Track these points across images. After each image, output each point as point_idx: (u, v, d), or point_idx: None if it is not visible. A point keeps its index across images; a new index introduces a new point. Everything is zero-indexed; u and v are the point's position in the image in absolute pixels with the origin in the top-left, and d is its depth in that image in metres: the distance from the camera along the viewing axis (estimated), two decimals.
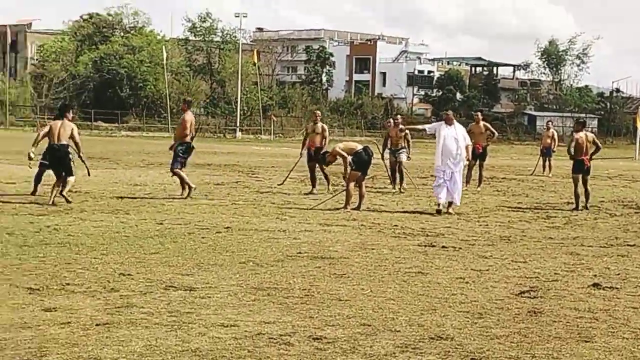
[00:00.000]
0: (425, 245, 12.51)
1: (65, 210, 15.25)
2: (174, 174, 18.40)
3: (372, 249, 12.04)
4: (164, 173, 25.72)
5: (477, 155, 23.07)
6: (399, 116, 22.67)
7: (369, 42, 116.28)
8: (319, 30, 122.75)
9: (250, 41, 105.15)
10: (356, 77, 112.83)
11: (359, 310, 8.13)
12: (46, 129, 17.21)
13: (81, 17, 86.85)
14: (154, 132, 74.23)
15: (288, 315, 7.85)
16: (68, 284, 8.87)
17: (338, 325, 7.55)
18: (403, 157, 22.01)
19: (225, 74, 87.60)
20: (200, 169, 26.90)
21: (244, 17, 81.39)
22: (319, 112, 22.64)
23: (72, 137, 16.62)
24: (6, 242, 11.47)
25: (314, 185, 20.75)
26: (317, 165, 20.57)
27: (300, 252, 11.45)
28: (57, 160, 16.67)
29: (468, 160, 17.55)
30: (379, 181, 23.77)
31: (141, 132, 72.99)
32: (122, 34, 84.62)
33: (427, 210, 17.51)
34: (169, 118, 75.64)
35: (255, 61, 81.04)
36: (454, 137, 17.04)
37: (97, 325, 7.25)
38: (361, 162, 17.08)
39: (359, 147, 17.40)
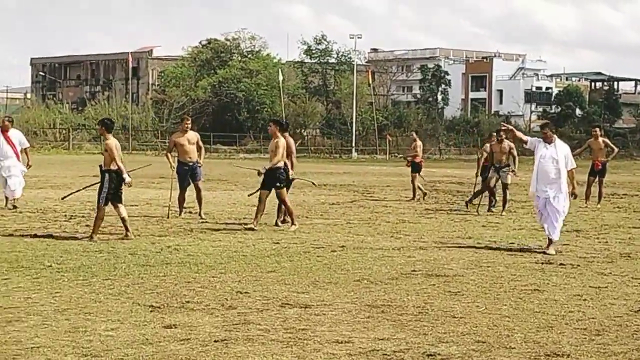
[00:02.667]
0: (542, 263, 12.36)
1: (185, 231, 15.63)
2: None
3: (488, 266, 11.96)
4: None
5: (597, 172, 22.63)
6: (502, 132, 20.82)
7: (484, 60, 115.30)
8: (434, 49, 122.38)
9: (365, 62, 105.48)
10: (472, 95, 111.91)
11: (473, 327, 8.10)
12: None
13: (200, 42, 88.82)
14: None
15: (402, 332, 7.88)
16: (188, 302, 9.10)
17: (452, 342, 7.55)
18: (509, 178, 20.51)
19: (340, 95, 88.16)
20: (317, 189, 27.14)
21: (358, 38, 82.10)
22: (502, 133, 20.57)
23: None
24: (129, 261, 11.83)
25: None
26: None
27: (414, 270, 11.46)
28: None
29: (573, 193, 14.00)
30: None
31: (259, 154, 73.98)
32: (239, 58, 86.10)
33: None
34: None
35: (370, 82, 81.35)
36: (552, 157, 13.77)
37: (215, 341, 7.43)
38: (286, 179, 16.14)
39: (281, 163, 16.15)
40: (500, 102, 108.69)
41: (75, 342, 7.27)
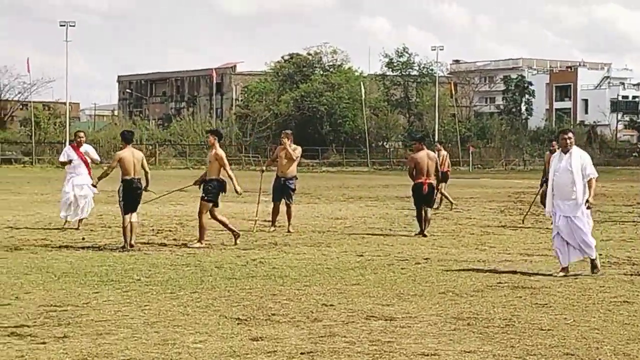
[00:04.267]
0: (631, 274, 12.14)
1: (270, 244, 15.76)
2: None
3: (575, 278, 11.79)
4: (363, 207, 26.10)
5: None
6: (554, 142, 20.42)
7: (569, 69, 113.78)
8: (516, 59, 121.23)
9: (447, 73, 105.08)
10: (556, 105, 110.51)
11: (561, 340, 8.00)
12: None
13: (282, 57, 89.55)
14: (353, 166, 75.33)
15: (489, 344, 7.83)
16: (274, 314, 9.17)
17: (540, 354, 7.47)
18: None
19: (422, 107, 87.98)
20: (400, 202, 27.10)
21: (440, 50, 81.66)
22: None
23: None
24: (215, 274, 11.98)
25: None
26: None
27: (500, 282, 11.36)
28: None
29: (587, 202, 12.16)
30: None
31: (341, 167, 74.22)
32: (321, 72, 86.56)
33: (635, 238, 16.94)
34: (368, 153, 76.53)
35: (453, 93, 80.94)
36: (567, 168, 12.25)
37: (301, 354, 7.48)
38: (218, 191, 15.48)
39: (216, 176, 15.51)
40: (586, 112, 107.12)
41: (165, 354, 7.40)
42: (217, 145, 15.50)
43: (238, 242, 15.57)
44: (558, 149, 12.82)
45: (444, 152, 25.94)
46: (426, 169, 17.53)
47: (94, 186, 17.42)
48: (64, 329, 8.33)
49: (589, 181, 12.25)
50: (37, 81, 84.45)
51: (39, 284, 10.98)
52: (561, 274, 12.02)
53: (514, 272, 12.26)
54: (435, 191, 18.04)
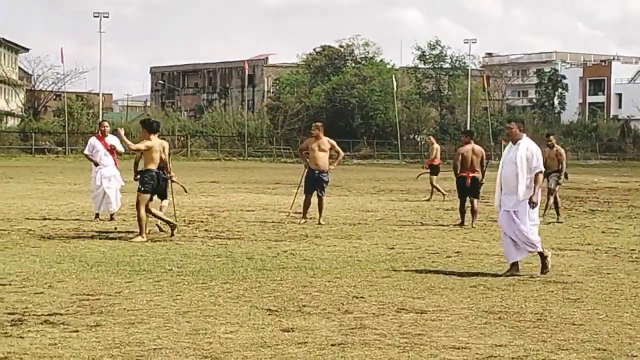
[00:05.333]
0: None
1: (300, 236, 15.79)
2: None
3: (608, 273, 11.71)
4: (394, 200, 26.07)
5: None
6: (551, 137, 20.41)
7: (603, 63, 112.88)
8: (550, 52, 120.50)
9: (480, 67, 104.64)
10: (590, 99, 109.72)
11: (593, 335, 7.96)
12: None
13: (314, 49, 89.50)
14: (384, 159, 75.23)
15: (520, 338, 7.80)
16: (304, 306, 9.19)
17: (572, 349, 7.43)
18: (552, 183, 19.54)
19: (454, 100, 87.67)
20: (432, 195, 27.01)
21: (473, 42, 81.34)
22: None
23: None
24: (246, 265, 12.02)
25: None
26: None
27: (532, 276, 11.30)
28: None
29: (531, 201, 11.35)
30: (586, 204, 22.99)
31: (372, 160, 74.15)
32: (353, 64, 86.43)
33: None
34: (399, 145, 76.39)
35: (485, 86, 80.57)
36: (512, 160, 11.48)
37: (332, 345, 7.48)
38: (155, 182, 14.95)
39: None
40: (619, 106, 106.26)
41: (196, 344, 7.43)
42: (149, 136, 14.96)
43: (175, 233, 15.08)
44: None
45: (436, 146, 26.74)
46: (470, 163, 18.03)
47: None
48: (97, 318, 8.39)
49: (535, 176, 11.41)
50: (71, 72, 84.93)
51: (72, 273, 11.06)
52: (508, 273, 11.37)
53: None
54: (480, 184, 18.24)
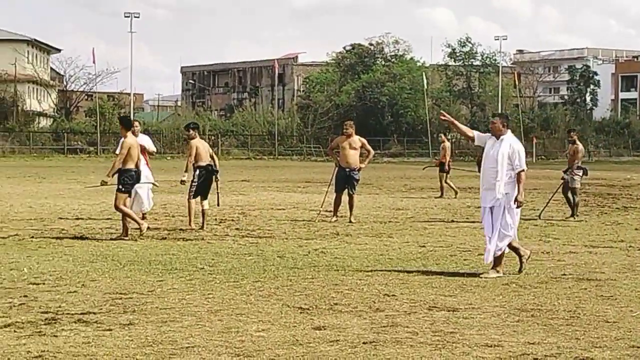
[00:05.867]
0: None
1: (331, 234, 15.79)
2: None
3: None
4: (425, 197, 26.01)
5: None
6: (572, 133, 20.70)
7: (635, 59, 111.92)
8: (581, 49, 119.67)
9: (511, 63, 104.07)
10: (622, 95, 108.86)
11: (627, 332, 7.90)
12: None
13: (344, 48, 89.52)
14: (415, 157, 75.08)
15: (553, 336, 7.75)
16: (336, 304, 9.19)
17: (605, 347, 7.38)
18: (575, 182, 19.65)
19: (485, 97, 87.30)
20: (462, 193, 26.93)
21: (503, 39, 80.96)
22: None
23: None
24: (277, 264, 12.04)
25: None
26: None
27: (564, 274, 11.24)
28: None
29: (516, 201, 11.04)
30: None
31: (402, 158, 74.02)
32: (383, 62, 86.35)
33: None
34: (430, 143, 76.20)
35: (516, 83, 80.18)
36: (494, 157, 11.08)
37: (364, 343, 7.48)
38: (134, 182, 15.16)
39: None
40: None
41: (228, 342, 7.46)
42: (126, 133, 15.07)
43: (144, 232, 14.95)
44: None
45: (447, 144, 26.75)
46: None
47: (182, 182, 16.80)
48: (129, 316, 8.44)
49: (518, 175, 11.08)
50: (102, 72, 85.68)
51: (105, 272, 11.14)
52: (492, 272, 11.08)
53: (579, 264, 12.12)
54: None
